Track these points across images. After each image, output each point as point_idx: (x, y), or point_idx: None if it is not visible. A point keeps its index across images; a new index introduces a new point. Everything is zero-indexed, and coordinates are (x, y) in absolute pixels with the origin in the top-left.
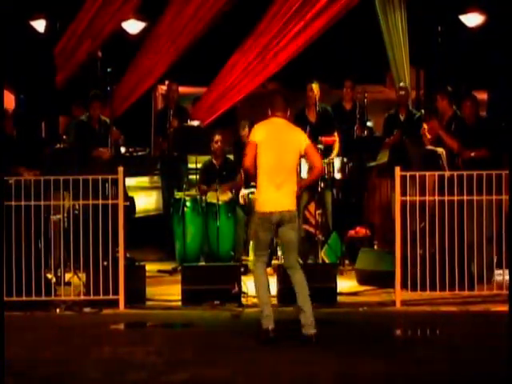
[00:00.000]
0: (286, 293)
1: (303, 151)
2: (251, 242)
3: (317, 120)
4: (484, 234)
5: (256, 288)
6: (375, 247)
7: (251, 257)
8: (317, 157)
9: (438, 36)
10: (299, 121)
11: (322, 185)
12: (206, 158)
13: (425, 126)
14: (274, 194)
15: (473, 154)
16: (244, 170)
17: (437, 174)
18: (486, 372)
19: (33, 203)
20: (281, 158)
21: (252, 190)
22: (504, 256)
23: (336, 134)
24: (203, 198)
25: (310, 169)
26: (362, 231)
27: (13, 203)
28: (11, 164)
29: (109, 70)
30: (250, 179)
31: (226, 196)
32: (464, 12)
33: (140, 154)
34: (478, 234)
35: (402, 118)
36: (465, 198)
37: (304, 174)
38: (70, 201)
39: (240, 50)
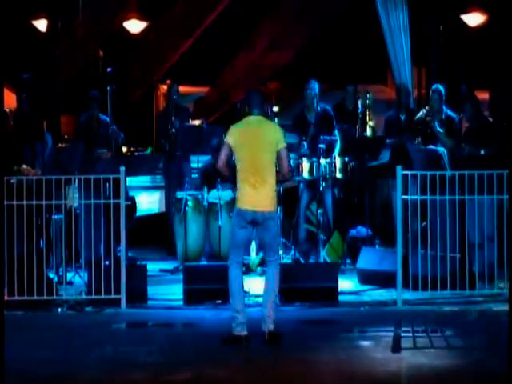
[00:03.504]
0: (287, 292)
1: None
2: (253, 242)
3: (316, 120)
4: (485, 234)
5: (230, 293)
6: (376, 246)
7: (253, 255)
8: (285, 163)
9: (439, 35)
10: (299, 121)
11: (324, 184)
12: (208, 157)
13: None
14: (250, 192)
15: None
16: (217, 169)
17: (438, 173)
18: (486, 372)
19: (34, 202)
20: (255, 158)
21: None
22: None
23: (336, 133)
24: (205, 197)
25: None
26: (363, 230)
27: (14, 202)
28: (12, 163)
29: (109, 69)
30: (227, 179)
31: (227, 195)
32: (465, 11)
33: (142, 153)
34: (480, 234)
35: (402, 117)
36: (466, 197)
37: (305, 174)
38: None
39: (241, 50)
